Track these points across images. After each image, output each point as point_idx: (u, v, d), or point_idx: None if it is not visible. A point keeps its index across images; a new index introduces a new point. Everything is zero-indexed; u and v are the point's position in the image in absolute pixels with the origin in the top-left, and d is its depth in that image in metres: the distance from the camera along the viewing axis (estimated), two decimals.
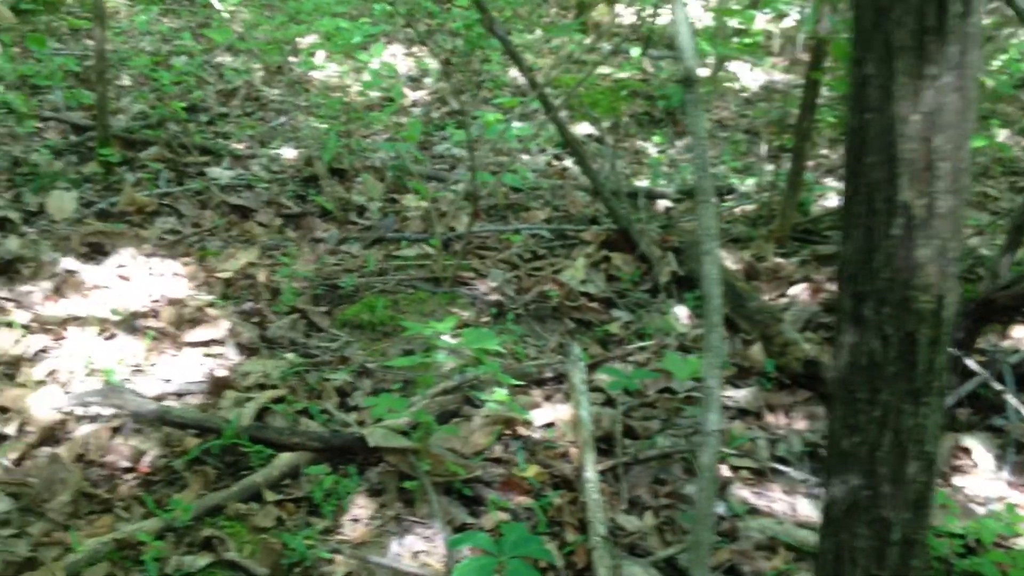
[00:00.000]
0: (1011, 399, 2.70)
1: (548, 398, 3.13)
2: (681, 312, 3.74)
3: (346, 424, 2.87)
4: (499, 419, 2.88)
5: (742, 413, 3.16)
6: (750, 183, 5.25)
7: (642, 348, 3.46)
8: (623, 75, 6.66)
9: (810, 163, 5.70)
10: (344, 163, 4.91)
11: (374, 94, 6.01)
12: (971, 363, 2.70)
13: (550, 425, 2.96)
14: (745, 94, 6.91)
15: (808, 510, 2.70)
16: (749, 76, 7.13)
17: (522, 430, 2.91)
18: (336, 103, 5.29)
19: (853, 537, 1.54)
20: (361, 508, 2.53)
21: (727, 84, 6.81)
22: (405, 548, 2.43)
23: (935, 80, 1.22)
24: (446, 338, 2.86)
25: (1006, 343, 3.67)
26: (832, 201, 5.01)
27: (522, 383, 3.10)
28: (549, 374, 3.21)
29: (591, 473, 2.65)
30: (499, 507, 2.57)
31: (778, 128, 5.61)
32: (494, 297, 3.78)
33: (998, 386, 2.70)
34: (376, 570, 2.31)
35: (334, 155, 4.85)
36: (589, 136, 5.93)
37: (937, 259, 1.30)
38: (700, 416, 1.78)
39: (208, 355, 3.23)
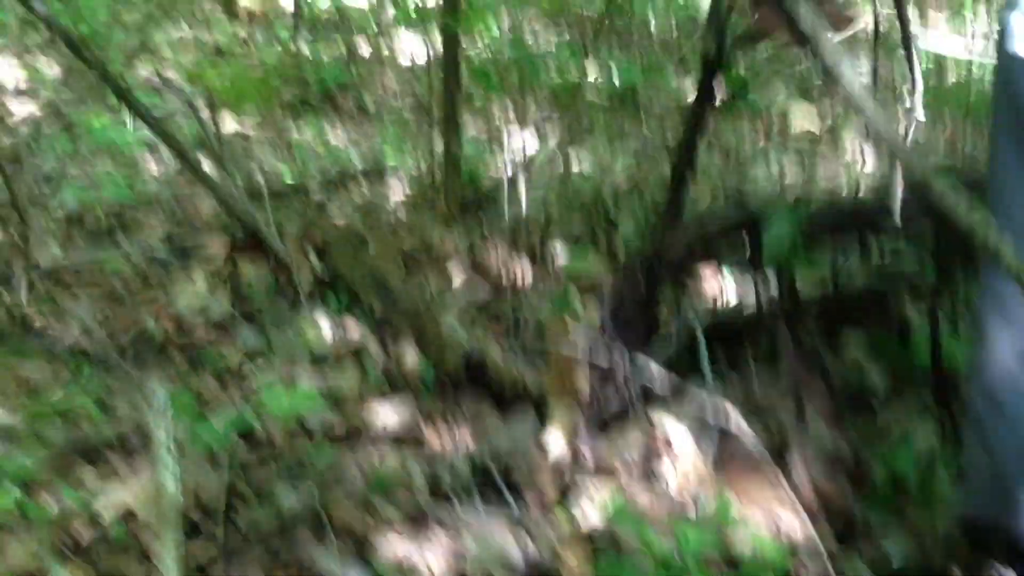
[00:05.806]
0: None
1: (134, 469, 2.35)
2: (324, 323, 3.05)
3: None
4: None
5: (396, 442, 2.52)
6: (412, 164, 4.64)
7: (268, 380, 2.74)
8: (272, 61, 5.90)
9: (482, 130, 5.20)
10: None
11: None
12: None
13: (130, 514, 2.19)
14: (411, 66, 6.33)
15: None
16: (416, 47, 6.56)
17: (85, 531, 2.12)
18: None
19: None
20: None
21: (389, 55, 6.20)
22: None
23: None
24: None
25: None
26: None
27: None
28: (133, 438, 2.43)
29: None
30: None
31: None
32: (83, 344, 2.94)
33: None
34: None
35: None
36: (236, 134, 5.14)
37: None
38: None
39: None
